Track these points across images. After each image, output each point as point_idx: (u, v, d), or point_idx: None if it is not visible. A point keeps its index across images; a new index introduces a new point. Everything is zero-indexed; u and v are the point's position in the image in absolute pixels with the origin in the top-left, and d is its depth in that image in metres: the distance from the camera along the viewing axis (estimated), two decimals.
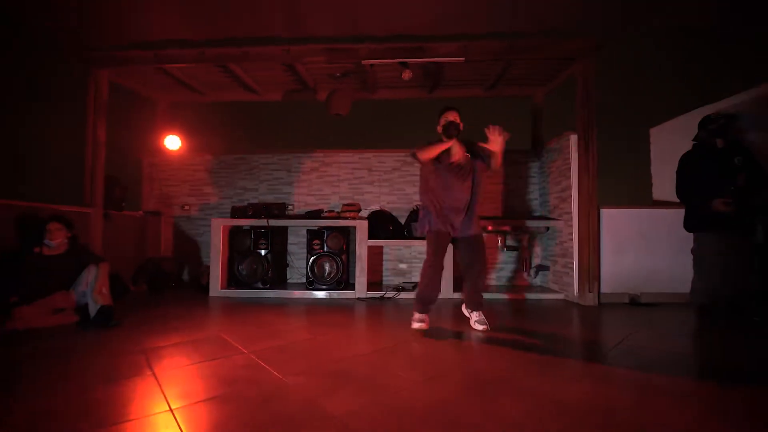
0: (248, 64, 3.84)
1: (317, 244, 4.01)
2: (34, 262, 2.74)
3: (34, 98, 3.97)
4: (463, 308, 2.87)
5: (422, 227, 2.69)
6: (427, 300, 2.58)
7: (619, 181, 4.43)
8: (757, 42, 3.94)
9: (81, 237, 3.61)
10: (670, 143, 4.30)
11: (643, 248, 3.67)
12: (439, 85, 4.49)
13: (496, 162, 2.64)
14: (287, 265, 4.58)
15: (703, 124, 3.10)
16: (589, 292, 3.51)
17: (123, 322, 2.72)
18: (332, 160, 4.63)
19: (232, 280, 4.11)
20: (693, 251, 3.09)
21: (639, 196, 4.39)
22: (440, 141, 2.59)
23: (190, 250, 4.68)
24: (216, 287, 4.00)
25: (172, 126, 4.76)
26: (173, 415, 1.41)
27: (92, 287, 2.67)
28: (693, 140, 3.18)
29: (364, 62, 3.55)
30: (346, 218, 4.06)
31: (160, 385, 1.67)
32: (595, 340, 2.54)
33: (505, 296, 3.87)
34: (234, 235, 4.14)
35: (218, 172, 4.73)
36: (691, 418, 1.41)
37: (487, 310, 2.80)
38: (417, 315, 2.58)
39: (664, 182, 4.29)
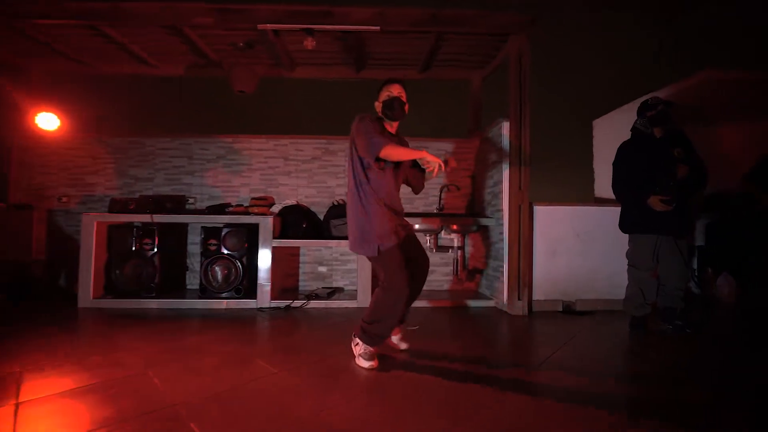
0: (123, 26, 3.14)
1: (213, 245, 3.39)
2: None
3: None
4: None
5: (367, 245, 1.92)
6: (387, 333, 2.00)
7: (560, 177, 4.09)
8: (704, 27, 3.68)
9: None
10: (613, 135, 3.99)
11: (578, 250, 3.31)
12: (366, 64, 3.96)
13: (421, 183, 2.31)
14: (187, 269, 3.92)
15: (640, 111, 2.74)
16: (519, 300, 3.11)
17: None
18: (242, 146, 3.99)
19: (110, 287, 3.42)
20: (628, 255, 2.73)
21: (581, 193, 4.07)
22: (379, 120, 2.03)
23: (68, 251, 3.91)
24: (87, 296, 3.30)
25: (49, 102, 3.95)
26: None
27: None
28: (631, 129, 2.82)
29: (260, 27, 2.95)
30: (253, 213, 3.47)
31: None
32: (509, 361, 2.09)
33: (428, 304, 3.41)
34: (114, 233, 3.45)
35: (105, 157, 3.98)
36: None
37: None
38: (364, 350, 1.93)
39: (606, 178, 3.97)
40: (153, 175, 3.98)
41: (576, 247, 3.31)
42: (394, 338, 2.22)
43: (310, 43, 2.96)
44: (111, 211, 3.44)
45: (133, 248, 3.41)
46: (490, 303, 3.44)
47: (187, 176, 3.98)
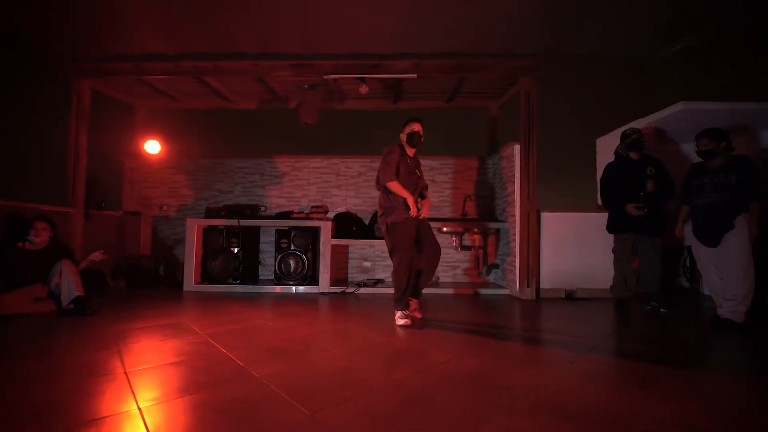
0: (221, 76, 4.17)
1: (285, 243, 4.34)
2: (17, 255, 3.04)
3: (24, 107, 4.23)
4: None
5: (381, 220, 2.79)
6: (404, 297, 2.75)
7: (567, 188, 4.83)
8: (676, 63, 4.39)
9: (63, 235, 3.92)
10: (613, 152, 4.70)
11: (579, 249, 4.06)
12: (401, 97, 4.86)
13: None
14: (259, 263, 4.90)
15: (622, 138, 3.50)
16: (528, 287, 3.89)
17: (97, 312, 3.03)
18: (302, 165, 4.97)
19: (206, 275, 4.42)
20: (613, 250, 3.47)
21: (585, 202, 4.79)
22: (402, 148, 2.87)
23: (167, 248, 4.98)
24: (189, 282, 4.31)
25: (152, 131, 5.06)
26: (127, 377, 1.74)
27: (68, 279, 2.97)
28: (614, 152, 3.57)
29: (325, 77, 3.89)
30: (313, 219, 4.40)
31: (120, 356, 2.00)
32: (517, 325, 2.90)
33: (452, 291, 4.23)
34: (208, 234, 4.46)
35: (195, 174, 5.04)
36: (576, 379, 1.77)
37: (423, 301, 3.14)
38: (401, 313, 2.73)
39: None
40: (233, 188, 5.01)
41: (577, 246, 4.06)
42: (411, 305, 2.93)
43: (364, 89, 3.88)
44: (207, 216, 4.46)
45: (223, 246, 4.41)
46: (505, 291, 4.22)
47: (259, 189, 4.99)
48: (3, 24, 3.61)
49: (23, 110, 4.05)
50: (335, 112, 5.11)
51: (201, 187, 5.04)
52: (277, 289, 4.26)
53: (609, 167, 3.51)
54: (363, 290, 4.25)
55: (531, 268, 3.90)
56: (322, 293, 4.19)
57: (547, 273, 4.04)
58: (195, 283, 4.33)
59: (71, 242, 4.08)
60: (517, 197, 4.06)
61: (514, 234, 4.08)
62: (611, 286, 3.50)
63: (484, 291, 4.23)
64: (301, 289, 4.26)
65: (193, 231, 4.37)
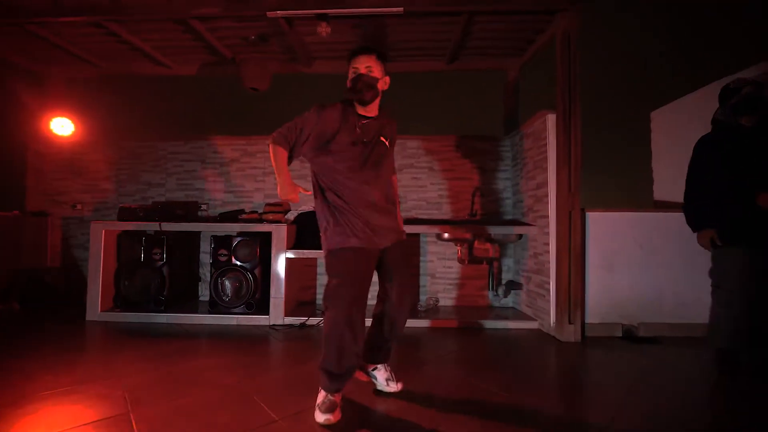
0: (129, 21, 2.94)
1: (224, 255, 3.13)
2: None
3: None
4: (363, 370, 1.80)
5: (329, 242, 1.61)
6: (344, 371, 1.55)
7: (612, 178, 3.54)
8: None
9: None
10: (676, 128, 3.42)
11: (641, 263, 2.79)
12: (386, 54, 3.58)
13: None
14: (199, 279, 3.69)
15: (722, 97, 2.22)
16: (570, 323, 2.63)
17: None
18: (257, 149, 3.73)
19: (119, 299, 3.23)
20: (711, 273, 2.20)
21: (638, 196, 3.50)
22: (347, 102, 1.69)
23: (82, 259, 3.79)
24: (95, 309, 3.13)
25: (65, 107, 3.85)
26: None
27: None
28: (711, 121, 2.29)
29: (269, 14, 2.65)
30: (267, 221, 3.19)
31: None
32: (568, 417, 1.65)
33: (456, 324, 2.99)
34: (124, 242, 3.26)
35: (119, 163, 3.83)
36: None
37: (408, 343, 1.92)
38: (323, 398, 1.52)
39: (668, 178, 3.41)
40: (165, 180, 3.80)
41: (638, 260, 2.79)
42: (379, 377, 1.75)
43: (324, 29, 2.63)
44: (120, 219, 3.25)
45: (142, 258, 3.20)
46: (533, 324, 2.97)
47: (200, 181, 3.77)
48: None
49: None
50: (301, 77, 3.86)
51: (125, 180, 3.83)
52: (214, 319, 3.05)
53: (704, 144, 2.23)
54: None
55: (574, 295, 2.64)
56: (272, 326, 2.97)
57: (595, 300, 2.78)
58: (103, 311, 3.13)
59: None
60: (551, 190, 2.79)
61: (548, 243, 2.82)
62: (708, 328, 2.23)
63: (500, 324, 2.99)
64: (245, 319, 3.04)
65: (100, 238, 3.18)
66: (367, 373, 1.77)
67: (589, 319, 2.76)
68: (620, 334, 2.74)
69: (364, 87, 1.61)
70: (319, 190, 1.66)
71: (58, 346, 2.45)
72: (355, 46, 1.68)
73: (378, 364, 1.75)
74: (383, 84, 1.68)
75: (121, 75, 3.92)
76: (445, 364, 2.21)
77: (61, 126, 3.73)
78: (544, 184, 2.88)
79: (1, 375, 1.95)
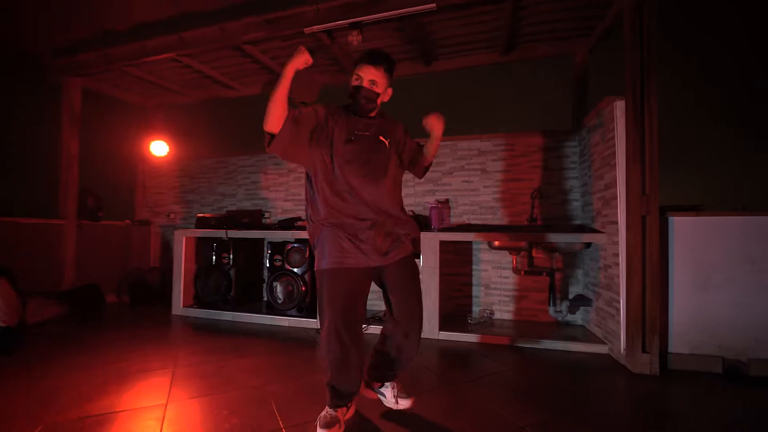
0: (191, 51, 3.30)
1: (278, 260, 3.33)
2: None
3: (8, 113, 3.92)
4: (369, 388, 1.74)
5: (317, 262, 1.56)
6: (342, 389, 1.52)
7: (701, 174, 2.84)
8: None
9: (53, 248, 3.56)
10: None
11: (752, 282, 2.18)
12: (434, 53, 3.44)
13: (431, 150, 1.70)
14: (263, 282, 3.99)
15: None
16: (644, 352, 2.17)
17: (17, 351, 2.40)
18: None
19: (196, 297, 3.67)
20: None
21: (737, 196, 2.75)
22: (345, 110, 1.63)
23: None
24: (178, 304, 3.60)
25: (163, 130, 4.55)
26: None
27: None
28: None
29: (306, 30, 2.74)
30: None
31: None
32: None
33: (508, 339, 2.69)
34: (201, 247, 3.71)
35: (200, 177, 4.37)
36: None
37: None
38: (325, 412, 1.52)
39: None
40: (235, 191, 4.21)
41: (746, 278, 2.18)
42: (387, 394, 1.66)
43: (355, 38, 2.62)
44: (197, 227, 3.70)
45: (213, 262, 3.59)
46: (602, 348, 2.53)
47: (263, 191, 4.09)
48: None
49: (9, 116, 3.75)
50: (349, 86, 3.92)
51: (205, 192, 4.35)
52: (270, 320, 3.27)
53: None
54: (374, 328, 3.00)
55: (650, 317, 2.18)
56: (318, 330, 3.06)
57: (683, 325, 2.26)
58: (184, 306, 3.60)
59: (64, 256, 3.71)
60: (620, 191, 2.35)
61: (617, 253, 2.38)
62: None
63: (560, 346, 2.61)
64: (295, 321, 3.19)
65: (182, 244, 3.65)
66: (375, 391, 1.70)
67: (673, 348, 2.25)
68: (720, 371, 2.17)
69: (362, 99, 1.56)
70: (310, 199, 1.62)
71: (148, 334, 2.90)
72: (365, 52, 1.61)
73: (385, 382, 1.67)
74: (385, 97, 1.61)
75: (201, 101, 4.47)
76: (478, 387, 2.00)
77: (159, 148, 4.41)
78: (613, 183, 2.44)
79: (102, 354, 2.36)
